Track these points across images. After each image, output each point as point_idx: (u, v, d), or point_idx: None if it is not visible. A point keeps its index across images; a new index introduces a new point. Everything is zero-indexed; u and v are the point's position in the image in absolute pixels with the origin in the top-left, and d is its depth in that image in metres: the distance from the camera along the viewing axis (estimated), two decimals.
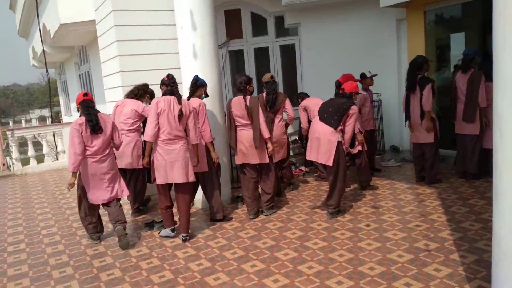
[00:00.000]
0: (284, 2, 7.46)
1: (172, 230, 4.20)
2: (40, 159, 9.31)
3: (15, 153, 8.60)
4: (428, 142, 5.24)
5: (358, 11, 7.64)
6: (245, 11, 8.42)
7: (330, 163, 4.26)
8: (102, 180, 4.06)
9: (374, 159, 6.33)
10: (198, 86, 4.45)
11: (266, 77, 5.30)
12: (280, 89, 8.51)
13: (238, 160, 4.65)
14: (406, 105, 5.42)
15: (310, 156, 4.50)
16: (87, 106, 3.99)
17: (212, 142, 4.37)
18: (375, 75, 6.37)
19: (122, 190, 4.24)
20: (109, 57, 5.78)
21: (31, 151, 8.89)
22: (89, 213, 4.20)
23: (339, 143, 4.28)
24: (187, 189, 4.14)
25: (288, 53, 8.52)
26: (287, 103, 5.22)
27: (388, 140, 7.86)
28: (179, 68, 5.20)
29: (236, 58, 8.81)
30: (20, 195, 6.90)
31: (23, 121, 34.59)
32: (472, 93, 5.07)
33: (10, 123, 31.99)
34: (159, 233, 4.28)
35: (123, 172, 4.73)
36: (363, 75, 6.35)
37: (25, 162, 9.14)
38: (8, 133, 8.54)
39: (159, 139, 3.98)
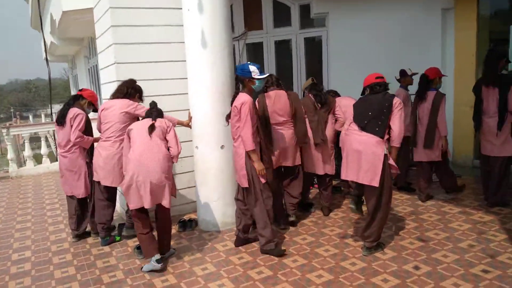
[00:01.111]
0: None
1: (158, 261, 3.34)
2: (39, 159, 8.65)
3: (10, 153, 7.87)
4: (502, 155, 4.28)
5: (397, 2, 6.60)
6: None
7: (376, 184, 3.26)
8: (64, 175, 4.15)
9: (406, 173, 5.35)
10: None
11: (307, 83, 4.65)
12: None
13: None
14: (475, 109, 4.47)
15: (347, 175, 3.48)
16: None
17: (254, 151, 3.42)
18: (416, 73, 5.39)
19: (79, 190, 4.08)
20: (104, 46, 4.97)
21: (27, 151, 8.14)
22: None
23: (385, 156, 3.31)
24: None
25: (314, 47, 7.55)
26: (337, 106, 4.53)
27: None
28: (185, 61, 4.34)
29: (255, 52, 7.92)
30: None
31: (42, 115, 34.75)
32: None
33: (30, 117, 31.99)
34: (141, 269, 3.42)
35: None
36: (403, 72, 5.40)
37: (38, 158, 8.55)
38: (4, 130, 7.82)
39: None
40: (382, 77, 3.53)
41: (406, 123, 5.22)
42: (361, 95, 3.71)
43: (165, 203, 3.28)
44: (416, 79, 5.48)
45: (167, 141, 3.43)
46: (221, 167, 4.14)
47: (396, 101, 3.37)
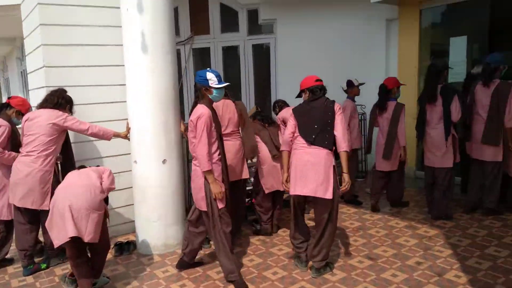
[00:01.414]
0: None
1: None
2: None
3: None
4: (445, 166, 4.33)
5: (344, 8, 6.63)
6: (214, 2, 7.25)
7: (330, 196, 3.12)
8: None
9: (355, 184, 5.37)
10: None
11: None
12: (252, 95, 7.42)
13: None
14: (419, 120, 4.52)
15: (297, 189, 3.26)
16: None
17: (210, 171, 3.05)
18: (362, 84, 5.42)
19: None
20: (32, 48, 4.45)
21: None
22: None
23: (334, 168, 3.22)
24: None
25: (262, 54, 7.42)
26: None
27: (371, 160, 6.87)
28: (123, 65, 3.96)
29: (202, 57, 7.63)
30: None
31: None
32: (498, 110, 4.17)
33: None
34: None
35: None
36: (349, 83, 5.37)
37: None
38: None
39: None
40: (321, 80, 3.43)
41: (353, 136, 5.22)
42: (296, 97, 3.59)
43: (90, 238, 2.85)
44: (362, 90, 5.51)
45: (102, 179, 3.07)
46: (162, 184, 3.81)
47: (337, 106, 3.30)
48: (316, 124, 3.27)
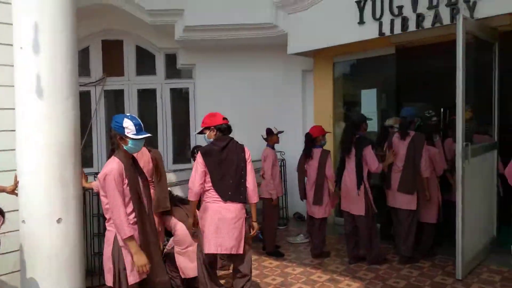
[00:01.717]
0: (178, 37, 6.19)
1: None
2: None
3: None
4: (360, 214, 4.39)
5: (263, 57, 6.73)
6: (129, 44, 6.94)
7: (241, 251, 3.12)
8: None
9: (275, 232, 5.21)
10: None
11: None
12: (169, 141, 7.07)
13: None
14: (339, 167, 4.69)
15: (212, 248, 3.11)
16: None
17: (131, 238, 2.61)
18: (281, 132, 5.42)
19: None
20: None
21: None
22: None
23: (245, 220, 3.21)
24: None
25: (181, 98, 7.18)
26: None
27: (292, 207, 6.83)
28: (13, 109, 3.43)
29: (115, 100, 7.16)
30: None
31: None
32: (413, 160, 4.38)
33: None
34: None
35: None
36: (269, 131, 5.33)
37: None
38: None
39: None
40: (227, 119, 3.36)
41: (276, 183, 5.13)
42: (198, 133, 3.48)
43: None
44: (281, 137, 5.50)
45: None
46: (56, 247, 3.24)
47: (247, 153, 3.26)
48: (231, 179, 3.18)
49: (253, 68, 6.75)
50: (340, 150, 4.77)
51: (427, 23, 4.54)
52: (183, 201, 3.96)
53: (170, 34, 6.29)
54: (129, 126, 2.70)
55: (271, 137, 5.31)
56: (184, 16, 5.98)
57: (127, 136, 2.70)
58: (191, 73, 7.02)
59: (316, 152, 4.81)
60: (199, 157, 3.25)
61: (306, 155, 4.90)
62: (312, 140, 4.86)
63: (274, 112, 6.67)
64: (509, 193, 4.58)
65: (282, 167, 6.57)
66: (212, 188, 3.18)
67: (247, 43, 6.51)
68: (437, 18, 4.45)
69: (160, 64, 6.98)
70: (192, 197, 3.21)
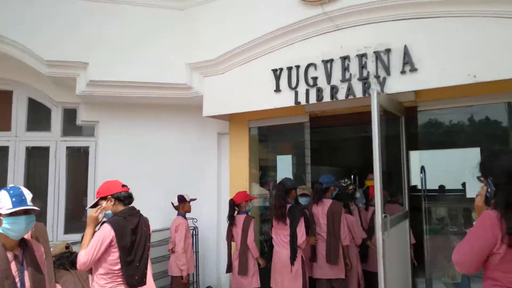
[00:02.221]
0: (79, 92, 5.56)
1: None
2: None
3: None
4: None
5: (177, 118, 6.37)
6: (20, 95, 6.08)
7: None
8: None
9: None
10: None
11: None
12: (62, 207, 6.14)
13: None
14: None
15: None
16: None
17: None
18: (194, 200, 5.02)
19: None
20: None
21: None
22: None
23: None
24: None
25: (79, 157, 6.36)
26: None
27: (203, 279, 6.21)
28: None
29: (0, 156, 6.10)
30: None
31: None
32: (333, 229, 4.31)
33: None
34: None
35: None
36: (181, 198, 4.89)
37: None
38: None
39: None
40: (127, 186, 2.98)
41: (188, 257, 4.63)
42: (90, 207, 2.94)
43: None
44: (195, 203, 5.07)
45: None
46: None
47: (150, 226, 2.96)
48: (138, 261, 2.75)
49: (165, 129, 6.33)
50: (271, 220, 4.47)
51: (341, 95, 4.65)
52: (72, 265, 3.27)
53: (70, 87, 5.64)
54: (3, 200, 2.11)
55: (184, 205, 4.87)
56: (89, 69, 5.43)
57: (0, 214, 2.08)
58: (93, 131, 6.32)
59: (239, 219, 4.59)
60: (109, 230, 2.68)
61: (230, 221, 4.67)
62: (235, 206, 4.64)
63: (187, 176, 6.22)
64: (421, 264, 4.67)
65: (195, 236, 6.01)
66: (117, 271, 2.62)
67: (159, 103, 6.13)
68: (350, 90, 4.59)
69: (56, 119, 6.19)
70: (81, 267, 2.67)
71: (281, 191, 4.28)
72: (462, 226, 4.89)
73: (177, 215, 4.86)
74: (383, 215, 3.99)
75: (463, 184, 4.65)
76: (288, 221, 4.11)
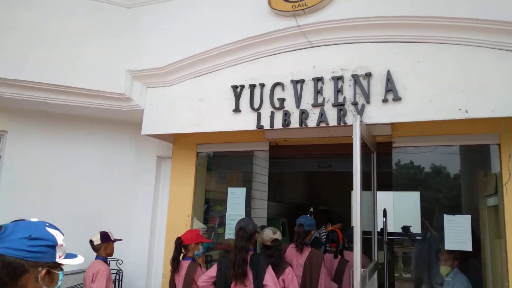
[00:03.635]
0: None
1: None
2: None
3: None
4: None
5: (110, 135, 5.31)
6: None
7: None
8: None
9: None
10: None
11: None
12: None
13: None
14: None
15: None
16: None
17: None
18: (119, 240, 4.00)
19: None
20: None
21: None
22: None
23: None
24: None
25: None
26: None
27: None
28: None
29: None
30: None
31: None
32: (311, 280, 3.60)
33: None
34: None
35: None
36: (105, 236, 3.82)
37: None
38: None
39: None
40: None
41: None
42: None
43: None
44: (120, 243, 4.03)
45: None
46: None
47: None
48: None
49: (94, 147, 5.23)
50: (228, 276, 3.35)
51: (312, 122, 3.97)
52: None
53: None
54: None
55: (107, 245, 3.82)
56: None
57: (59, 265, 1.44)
58: None
59: (184, 265, 3.65)
60: None
61: (173, 267, 3.67)
62: (181, 248, 3.70)
63: (115, 205, 5.13)
64: None
65: (118, 282, 4.84)
66: None
67: (89, 114, 5.05)
68: (322, 117, 3.92)
69: None
70: None
71: (242, 240, 3.27)
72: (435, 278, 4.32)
73: (96, 258, 3.75)
74: (362, 270, 3.25)
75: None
76: (251, 275, 3.19)
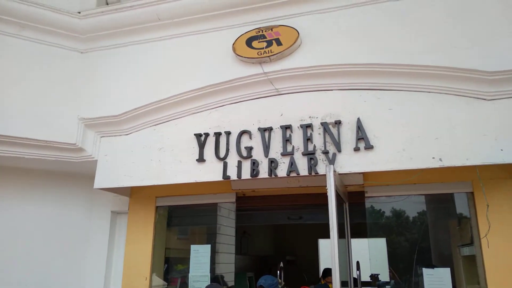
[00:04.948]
0: None
1: None
2: None
3: None
4: None
5: (59, 189, 4.82)
6: None
7: None
8: None
9: None
10: None
11: None
12: None
13: None
14: None
15: None
16: None
17: None
18: None
19: None
20: None
21: None
22: None
23: None
24: None
25: None
26: None
27: None
28: None
29: None
30: None
31: None
32: None
33: None
34: None
35: None
36: None
37: None
38: None
39: None
40: None
41: None
42: None
43: None
44: None
45: None
46: None
47: None
48: None
49: (40, 202, 4.68)
50: None
51: (281, 172, 3.73)
52: None
53: None
54: None
55: None
56: None
57: None
58: None
59: None
60: None
61: None
62: None
63: (62, 267, 4.54)
64: None
65: None
66: None
67: (35, 167, 4.56)
68: (292, 166, 3.70)
69: None
70: None
71: None
72: None
73: None
74: None
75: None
76: None
